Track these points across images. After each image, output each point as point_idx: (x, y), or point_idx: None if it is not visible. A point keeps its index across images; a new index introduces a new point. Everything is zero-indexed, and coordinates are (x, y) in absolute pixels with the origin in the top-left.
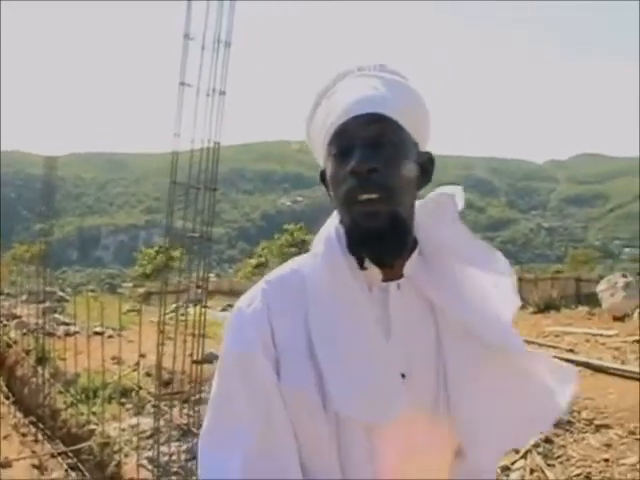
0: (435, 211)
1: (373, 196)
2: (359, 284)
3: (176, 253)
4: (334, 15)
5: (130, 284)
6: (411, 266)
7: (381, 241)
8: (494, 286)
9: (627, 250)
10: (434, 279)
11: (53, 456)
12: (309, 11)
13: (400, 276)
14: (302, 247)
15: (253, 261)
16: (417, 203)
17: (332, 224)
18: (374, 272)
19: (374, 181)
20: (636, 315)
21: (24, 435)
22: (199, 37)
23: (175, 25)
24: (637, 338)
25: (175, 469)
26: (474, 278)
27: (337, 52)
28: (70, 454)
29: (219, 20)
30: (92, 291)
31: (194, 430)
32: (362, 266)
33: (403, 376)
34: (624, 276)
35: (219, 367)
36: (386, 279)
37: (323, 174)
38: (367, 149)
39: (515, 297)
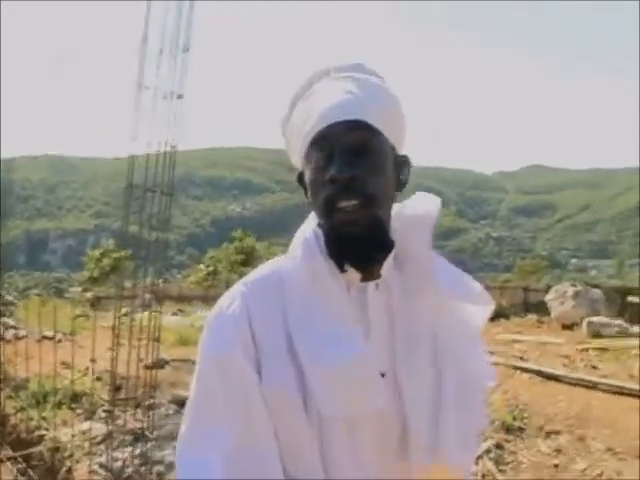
0: (413, 222)
1: (353, 203)
2: (338, 285)
3: (121, 254)
4: (295, 18)
5: (78, 289)
6: (388, 267)
7: (361, 247)
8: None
9: (574, 260)
10: (405, 283)
11: (2, 461)
12: (267, 16)
13: (378, 276)
14: (251, 254)
15: (202, 267)
16: (397, 207)
17: (310, 227)
18: (353, 274)
19: (354, 188)
20: (585, 324)
21: None
22: (157, 41)
23: (133, 28)
24: (585, 346)
25: (128, 474)
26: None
27: (294, 56)
28: (20, 459)
29: (178, 24)
30: (39, 295)
31: (148, 435)
32: (342, 269)
33: (382, 375)
34: (573, 285)
35: (197, 369)
36: (364, 279)
37: (301, 176)
38: (347, 156)
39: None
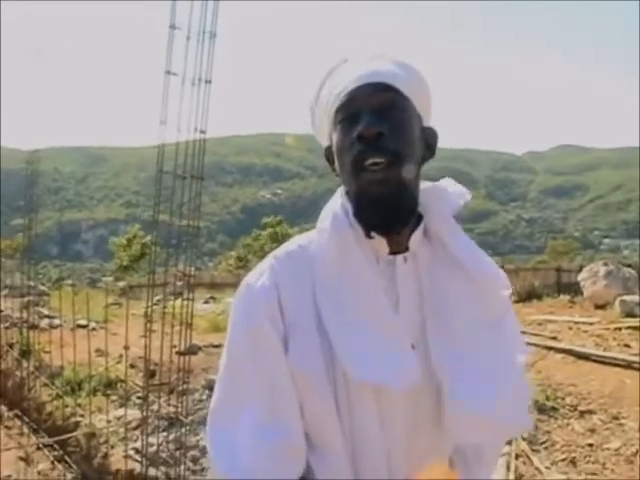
0: (447, 197)
1: (380, 160)
2: (366, 256)
3: (148, 239)
4: (322, 11)
5: (110, 278)
6: (416, 240)
7: (388, 207)
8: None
9: (606, 240)
10: (433, 259)
11: (39, 448)
12: (294, 8)
13: (406, 249)
14: (283, 242)
15: (234, 254)
16: (428, 184)
17: (337, 201)
18: (381, 243)
19: (381, 146)
20: (617, 303)
21: (9, 428)
22: (184, 27)
23: (160, 15)
24: (618, 325)
25: (163, 459)
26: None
27: (319, 49)
28: (56, 446)
29: (204, 10)
30: (72, 285)
31: (182, 419)
32: (369, 235)
33: (412, 347)
34: (605, 265)
35: (227, 341)
36: (393, 252)
37: (328, 151)
38: (374, 115)
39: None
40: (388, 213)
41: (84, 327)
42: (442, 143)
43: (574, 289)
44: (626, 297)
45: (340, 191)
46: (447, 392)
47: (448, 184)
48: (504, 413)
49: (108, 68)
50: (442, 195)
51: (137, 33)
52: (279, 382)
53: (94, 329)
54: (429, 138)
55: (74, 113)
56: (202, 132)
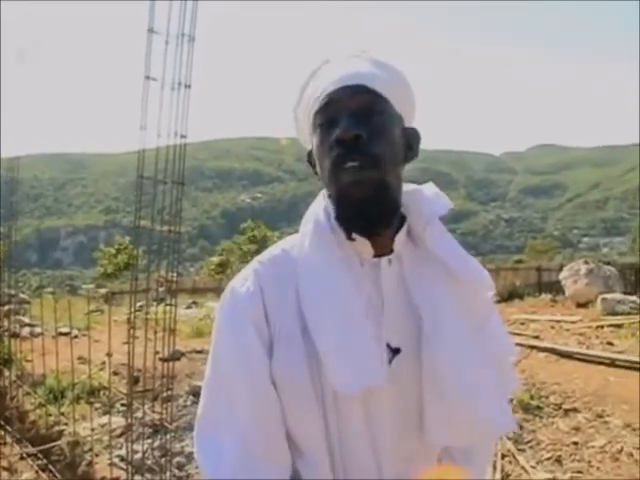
0: (430, 199)
1: (358, 163)
2: (349, 260)
3: (136, 252)
4: (305, 11)
5: (91, 285)
6: (400, 242)
7: (368, 209)
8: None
9: (585, 239)
10: (417, 260)
11: (22, 458)
12: (274, 6)
13: (390, 251)
14: (263, 244)
15: (215, 259)
16: (412, 186)
17: (319, 204)
18: (364, 245)
19: (359, 149)
20: (599, 301)
21: None
22: (163, 31)
23: (138, 20)
24: (601, 323)
25: (148, 466)
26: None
27: (301, 50)
28: (40, 455)
29: (182, 14)
30: (52, 293)
31: (167, 426)
32: (350, 237)
33: (398, 350)
34: (586, 263)
35: (212, 347)
36: (377, 255)
37: (310, 155)
38: (353, 118)
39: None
40: (368, 215)
41: (66, 335)
42: (422, 144)
43: (555, 288)
44: (607, 295)
45: (323, 194)
46: (430, 394)
47: (431, 189)
48: (487, 414)
49: (87, 74)
50: (426, 197)
51: (116, 38)
52: (262, 388)
53: (76, 336)
54: (411, 139)
55: (53, 120)
56: (182, 137)
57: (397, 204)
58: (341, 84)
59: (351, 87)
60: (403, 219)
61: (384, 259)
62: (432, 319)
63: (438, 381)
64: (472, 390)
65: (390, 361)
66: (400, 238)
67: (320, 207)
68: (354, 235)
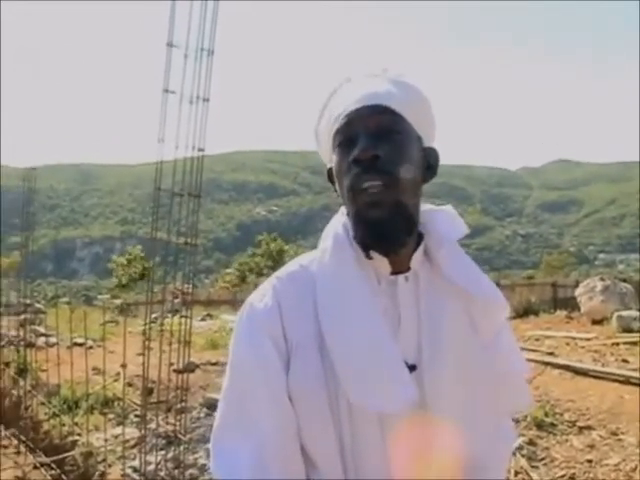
0: (448, 221)
1: (376, 183)
2: (367, 277)
3: (150, 264)
4: (324, 25)
5: (106, 296)
6: (417, 260)
7: (385, 229)
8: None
9: (602, 255)
10: (433, 279)
11: (36, 467)
12: (289, 20)
13: (407, 269)
14: (279, 259)
15: (230, 271)
16: (430, 206)
17: (339, 220)
18: (382, 263)
19: (377, 168)
20: (614, 318)
21: (5, 447)
22: (182, 45)
23: (157, 33)
24: (616, 341)
25: (161, 477)
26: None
27: (315, 66)
28: (53, 465)
29: (202, 28)
30: (68, 303)
31: (180, 438)
32: (368, 255)
33: (414, 367)
34: (602, 280)
35: (230, 360)
36: (395, 272)
37: (330, 172)
38: (371, 138)
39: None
40: (385, 236)
41: (81, 345)
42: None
43: (571, 304)
44: (623, 312)
45: (342, 210)
46: (433, 420)
47: (451, 211)
48: (483, 431)
49: (105, 86)
50: (443, 220)
51: (135, 51)
52: (279, 401)
53: (91, 347)
54: (430, 159)
55: (70, 131)
56: (200, 150)
57: (414, 224)
58: (361, 104)
59: (370, 107)
60: (421, 237)
61: (401, 276)
62: (436, 340)
63: (437, 398)
64: (469, 409)
65: None
66: (417, 256)
67: (339, 223)
68: (372, 254)
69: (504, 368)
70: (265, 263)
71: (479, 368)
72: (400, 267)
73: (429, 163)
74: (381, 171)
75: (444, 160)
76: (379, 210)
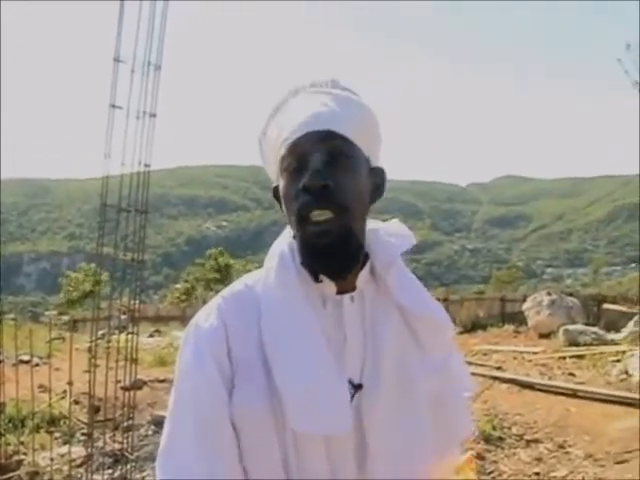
0: (393, 236)
1: (325, 212)
2: (312, 299)
3: (103, 277)
4: (265, 36)
5: (53, 312)
6: (363, 279)
7: (333, 257)
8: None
9: (549, 270)
10: (378, 298)
11: None
12: (237, 34)
13: (353, 289)
14: (226, 271)
15: (179, 286)
16: (375, 224)
17: (285, 239)
18: (328, 285)
19: (326, 197)
20: (561, 332)
21: None
22: (129, 60)
23: (104, 47)
24: (562, 354)
25: None
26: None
27: (265, 78)
28: None
29: (149, 42)
30: (14, 320)
31: (128, 456)
32: (317, 279)
33: (361, 386)
34: (549, 294)
35: (175, 383)
36: (340, 292)
37: (276, 190)
38: (319, 165)
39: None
40: (333, 263)
41: (27, 362)
42: (389, 175)
43: (519, 319)
44: (570, 326)
45: (288, 230)
46: (369, 445)
47: (396, 226)
48: (422, 455)
49: (52, 100)
50: (388, 237)
51: (83, 64)
52: (213, 425)
53: (37, 364)
54: (377, 179)
55: (17, 145)
56: (146, 165)
57: (361, 247)
58: (307, 129)
59: (316, 133)
60: (367, 257)
61: (346, 296)
62: (379, 356)
63: (373, 419)
64: (407, 436)
65: (352, 397)
66: (363, 276)
67: (285, 243)
68: (321, 277)
69: (449, 392)
70: (213, 276)
71: (421, 387)
72: (346, 287)
73: (377, 184)
74: (330, 200)
75: (395, 175)
76: (327, 238)
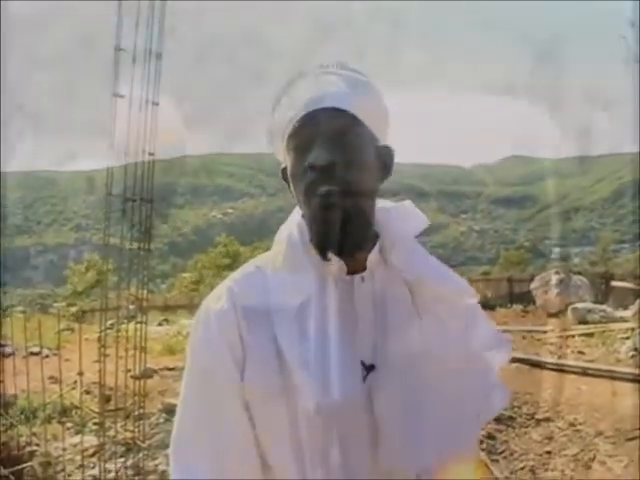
0: (405, 217)
1: (332, 189)
2: (322, 279)
3: (106, 268)
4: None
5: (62, 303)
6: (373, 260)
7: (341, 233)
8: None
9: (557, 249)
10: (388, 278)
11: None
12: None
13: (363, 268)
14: (235, 259)
15: (187, 275)
16: (387, 204)
17: (293, 221)
18: (338, 264)
19: (333, 174)
20: (569, 311)
21: None
22: (130, 49)
23: (105, 37)
24: (571, 333)
25: None
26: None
27: (271, 63)
28: (12, 477)
29: (150, 31)
30: (23, 312)
31: (140, 444)
32: (325, 257)
33: (373, 367)
34: (557, 273)
35: (187, 367)
36: (350, 272)
37: (284, 171)
38: (326, 143)
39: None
40: (342, 240)
41: (37, 354)
42: (395, 158)
43: (527, 299)
44: (578, 305)
45: (297, 210)
46: (381, 426)
47: (408, 207)
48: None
49: (56, 89)
50: (397, 217)
51: (84, 55)
52: (234, 411)
53: (47, 356)
54: (385, 158)
55: (15, 138)
56: (150, 154)
57: (370, 226)
58: (314, 107)
59: (324, 110)
60: (377, 236)
61: (357, 277)
62: (388, 342)
63: (381, 398)
64: (421, 412)
65: (364, 378)
66: (373, 256)
67: (294, 224)
68: (329, 255)
69: (466, 366)
70: (222, 262)
71: (433, 368)
72: (356, 267)
73: (384, 162)
74: (337, 177)
75: (400, 159)
76: (335, 213)
